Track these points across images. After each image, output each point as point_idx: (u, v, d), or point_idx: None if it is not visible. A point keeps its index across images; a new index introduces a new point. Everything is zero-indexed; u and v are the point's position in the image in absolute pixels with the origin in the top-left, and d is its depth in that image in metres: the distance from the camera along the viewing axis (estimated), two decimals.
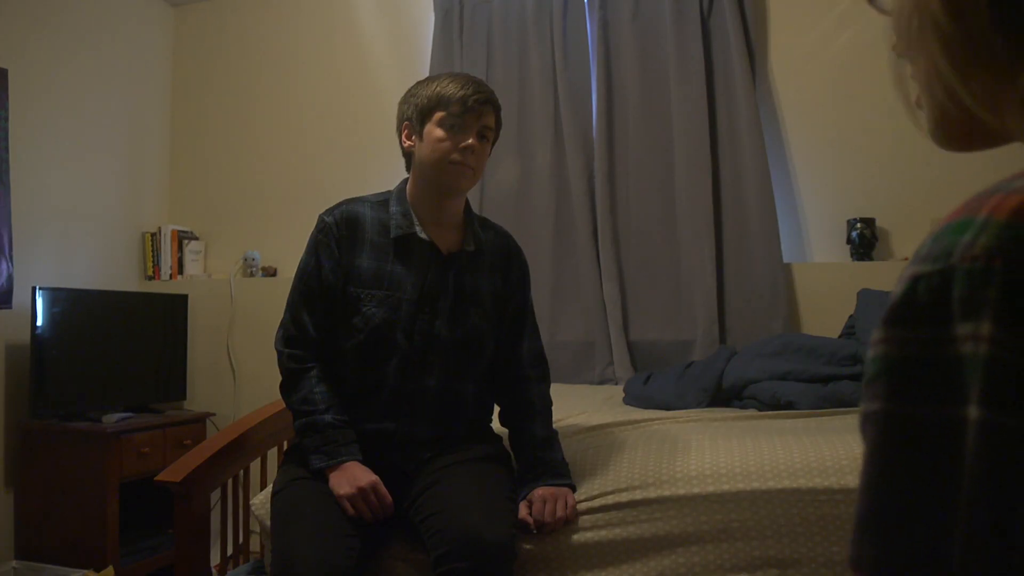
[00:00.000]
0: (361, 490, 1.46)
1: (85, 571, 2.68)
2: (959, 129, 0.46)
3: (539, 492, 1.52)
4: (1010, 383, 0.31)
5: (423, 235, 1.62)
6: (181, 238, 3.64)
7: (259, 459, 2.23)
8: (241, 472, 2.11)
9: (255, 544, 2.21)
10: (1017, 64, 0.39)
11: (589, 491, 1.55)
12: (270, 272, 3.55)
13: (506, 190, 3.09)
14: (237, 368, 3.50)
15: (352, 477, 1.48)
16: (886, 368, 0.35)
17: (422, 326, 1.59)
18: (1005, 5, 0.39)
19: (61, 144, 3.26)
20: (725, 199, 2.84)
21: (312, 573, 1.34)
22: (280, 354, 1.61)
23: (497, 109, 1.63)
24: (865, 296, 2.37)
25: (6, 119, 2.98)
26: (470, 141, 1.56)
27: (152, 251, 3.65)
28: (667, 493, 1.50)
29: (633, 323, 2.91)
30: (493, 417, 1.74)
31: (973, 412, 0.31)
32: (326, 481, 1.50)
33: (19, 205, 3.04)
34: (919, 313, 0.34)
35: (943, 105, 0.44)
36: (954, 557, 0.31)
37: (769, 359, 2.18)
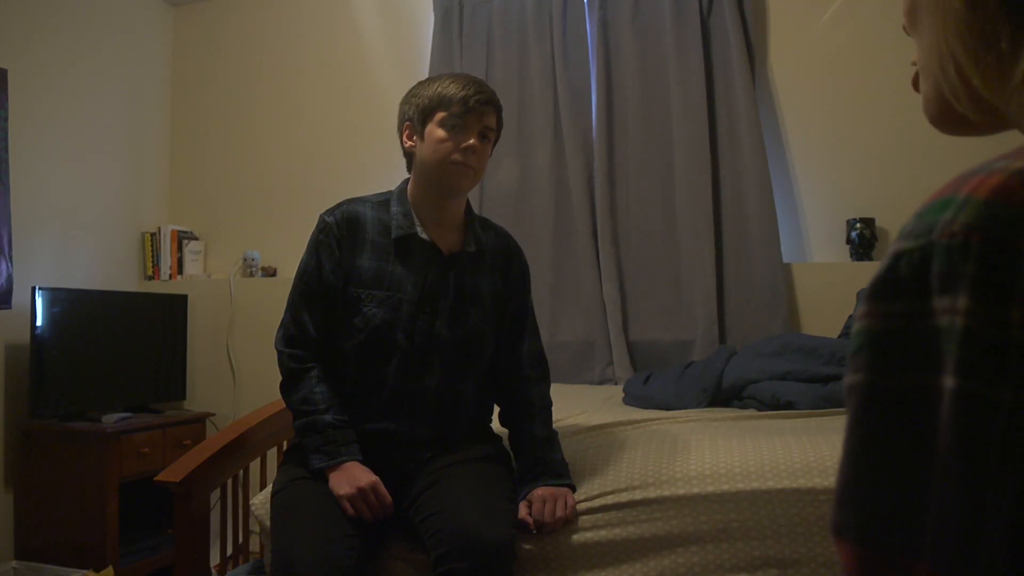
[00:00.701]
0: (361, 490, 1.46)
1: (85, 571, 2.68)
2: (958, 113, 0.47)
3: (539, 492, 1.52)
4: (984, 354, 0.32)
5: (424, 235, 1.62)
6: (181, 238, 3.64)
7: (259, 459, 2.23)
8: (241, 472, 2.11)
9: (255, 544, 2.21)
10: (1019, 52, 0.39)
11: (589, 491, 1.55)
12: (270, 272, 3.55)
13: (506, 190, 3.09)
14: (237, 368, 3.50)
15: (352, 477, 1.48)
16: (868, 341, 0.36)
17: (422, 326, 1.59)
18: None
19: (61, 144, 3.26)
20: (725, 199, 2.84)
21: (312, 573, 1.34)
22: (280, 354, 1.61)
23: (498, 109, 1.63)
24: None
25: (6, 119, 2.98)
26: (471, 141, 1.56)
27: (152, 251, 3.65)
28: (667, 493, 1.50)
29: (633, 323, 2.91)
30: (493, 417, 1.74)
31: (948, 382, 0.33)
32: (326, 481, 1.50)
33: (19, 205, 3.04)
34: (900, 287, 0.35)
35: (951, 86, 0.45)
36: (927, 524, 0.33)
37: (769, 359, 2.18)
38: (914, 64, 0.51)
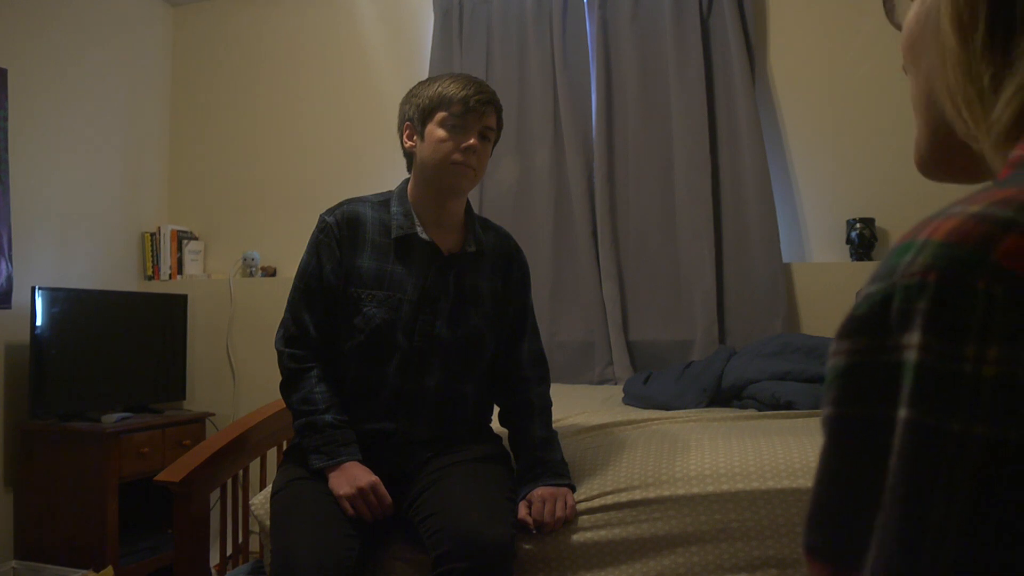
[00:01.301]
0: (361, 490, 1.46)
1: (84, 571, 2.68)
2: (947, 152, 0.51)
3: (538, 492, 1.52)
4: (936, 387, 0.34)
5: (424, 235, 1.62)
6: (180, 238, 3.64)
7: (258, 459, 2.23)
8: (240, 472, 2.11)
9: (254, 544, 2.21)
10: (999, 89, 0.44)
11: (589, 491, 1.55)
12: (269, 272, 3.55)
13: (506, 190, 3.09)
14: (236, 368, 3.50)
15: (352, 477, 1.48)
16: (835, 376, 0.39)
17: (423, 326, 1.59)
18: (997, 33, 0.44)
19: (61, 144, 3.26)
20: (724, 199, 2.84)
21: (311, 573, 1.35)
22: (280, 354, 1.61)
23: (498, 109, 1.63)
24: None
25: (6, 119, 2.98)
26: (471, 141, 1.56)
27: (151, 251, 3.65)
28: (667, 493, 1.50)
29: (632, 323, 2.91)
30: (493, 417, 1.74)
31: (902, 412, 0.35)
32: (326, 481, 1.50)
33: (18, 205, 3.04)
34: (864, 326, 0.38)
35: (939, 122, 0.49)
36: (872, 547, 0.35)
37: (768, 359, 2.18)
38: None
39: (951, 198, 0.41)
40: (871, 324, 0.37)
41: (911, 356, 0.35)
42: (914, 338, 0.35)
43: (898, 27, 0.54)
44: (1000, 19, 0.44)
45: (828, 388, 0.39)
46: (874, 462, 0.36)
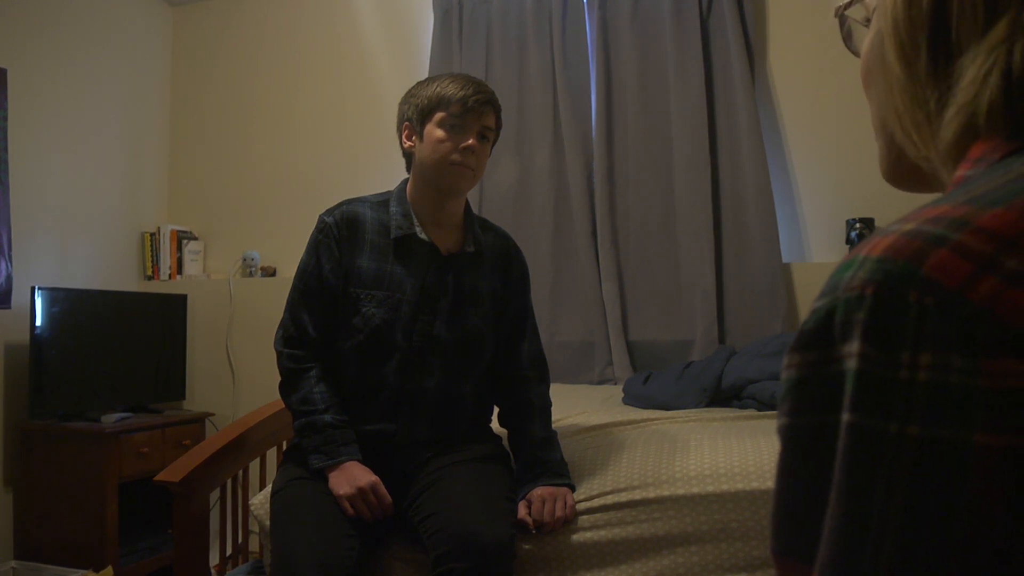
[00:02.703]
0: (361, 490, 1.46)
1: (84, 571, 2.68)
2: (906, 169, 0.54)
3: (538, 492, 1.52)
4: (874, 392, 0.37)
5: (423, 236, 1.62)
6: (180, 238, 3.64)
7: (258, 459, 2.23)
8: (240, 472, 2.11)
9: (254, 544, 2.21)
10: (943, 112, 0.47)
11: (588, 491, 1.55)
12: (269, 272, 3.55)
13: (505, 190, 3.09)
14: (236, 368, 3.50)
15: (352, 477, 1.48)
16: (787, 388, 0.42)
17: (422, 327, 1.59)
18: (939, 59, 0.47)
19: (60, 144, 3.26)
20: (724, 199, 2.84)
21: (311, 573, 1.35)
22: (280, 354, 1.61)
23: (497, 109, 1.63)
24: None
25: (5, 119, 2.98)
26: (470, 142, 1.57)
27: (151, 251, 3.65)
28: (666, 493, 1.50)
29: (632, 323, 2.91)
30: (492, 417, 1.74)
31: (845, 416, 0.38)
32: (325, 481, 1.50)
33: (18, 205, 3.04)
34: (811, 339, 0.40)
35: (900, 141, 0.52)
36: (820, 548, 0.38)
37: (768, 359, 2.18)
38: None
39: None
40: (817, 337, 0.40)
41: (851, 364, 0.37)
42: (854, 347, 0.37)
43: (856, 54, 0.58)
44: (940, 46, 0.47)
45: (782, 400, 0.42)
46: (824, 466, 0.38)
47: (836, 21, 0.60)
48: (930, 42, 0.47)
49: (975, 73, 0.45)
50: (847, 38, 0.60)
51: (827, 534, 0.37)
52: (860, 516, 0.36)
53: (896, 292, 0.37)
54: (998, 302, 0.35)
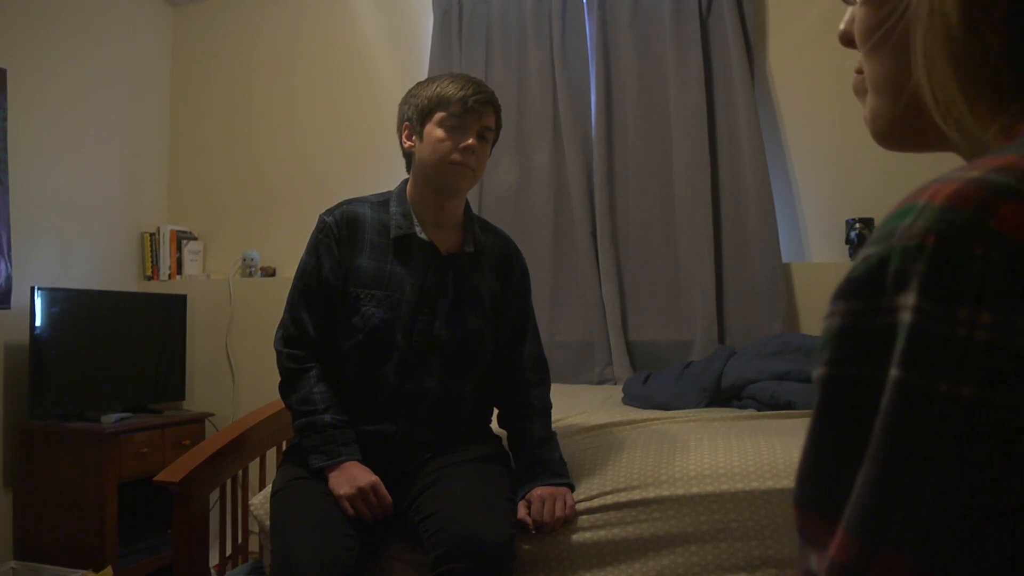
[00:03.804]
0: (361, 490, 1.46)
1: (84, 571, 2.68)
2: (914, 128, 0.49)
3: (538, 492, 1.52)
4: (927, 348, 0.34)
5: (423, 236, 1.62)
6: (180, 238, 3.64)
7: (258, 459, 2.23)
8: (240, 472, 2.11)
9: (254, 544, 2.21)
10: (1012, 92, 0.42)
11: (588, 491, 1.55)
12: (269, 272, 3.55)
13: (505, 190, 3.09)
14: (236, 368, 3.50)
15: (352, 477, 1.48)
16: (829, 337, 0.39)
17: (421, 327, 1.59)
18: (1020, 33, 0.41)
19: (60, 144, 3.26)
20: (724, 199, 2.84)
21: (311, 573, 1.35)
22: (279, 354, 1.61)
23: (497, 109, 1.63)
24: None
25: (5, 119, 2.98)
26: (470, 141, 1.57)
27: (151, 251, 3.65)
28: (666, 493, 1.50)
29: (632, 323, 2.91)
30: (492, 418, 1.74)
31: (893, 372, 0.35)
32: (325, 481, 1.50)
33: (18, 205, 3.04)
34: (860, 288, 0.38)
35: (903, 100, 0.48)
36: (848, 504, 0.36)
37: (768, 359, 2.18)
38: (858, 72, 0.53)
39: None
40: (867, 286, 0.37)
41: (905, 317, 0.35)
42: (909, 299, 0.35)
43: (849, 2, 0.52)
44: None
45: (822, 348, 0.39)
46: (862, 420, 0.36)
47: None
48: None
49: None
50: None
51: (859, 490, 0.36)
52: (898, 475, 0.34)
53: (960, 244, 0.34)
54: None
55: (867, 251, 0.38)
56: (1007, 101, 0.43)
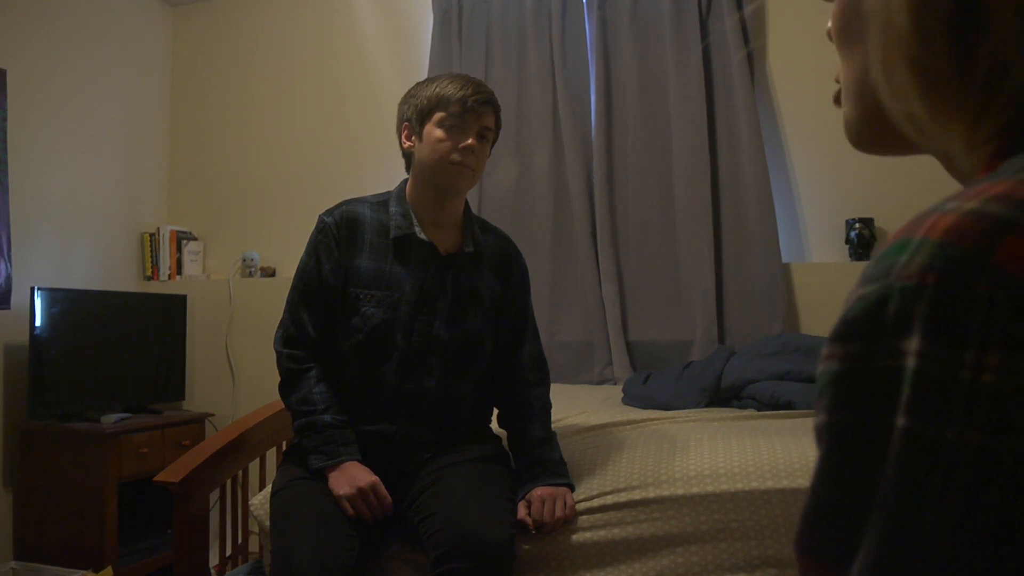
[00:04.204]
0: (361, 490, 1.46)
1: (84, 571, 2.68)
2: (884, 131, 0.48)
3: (538, 492, 1.52)
4: (933, 394, 0.33)
5: (422, 236, 1.62)
6: (180, 238, 3.64)
7: (258, 459, 2.23)
8: (240, 472, 2.11)
9: (254, 544, 2.21)
10: (967, 87, 0.40)
11: (588, 491, 1.55)
12: (269, 272, 3.55)
13: (505, 190, 3.09)
14: (236, 368, 3.50)
15: (352, 477, 1.48)
16: (829, 382, 0.38)
17: (421, 327, 1.59)
18: (962, 37, 0.40)
19: (60, 144, 3.26)
20: (724, 199, 2.84)
21: (311, 573, 1.35)
22: (279, 354, 1.61)
23: (497, 110, 1.63)
24: None
25: (5, 119, 2.98)
26: (470, 141, 1.57)
27: (151, 251, 3.65)
28: (666, 493, 1.50)
29: (632, 323, 2.91)
30: (492, 418, 1.74)
31: (900, 420, 0.34)
32: (325, 481, 1.50)
33: (18, 205, 3.04)
34: (859, 330, 0.36)
35: (871, 105, 0.47)
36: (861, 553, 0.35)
37: (768, 359, 2.18)
38: (837, 81, 0.52)
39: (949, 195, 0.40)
40: (866, 327, 0.36)
41: (910, 363, 0.34)
42: (912, 344, 0.34)
43: None
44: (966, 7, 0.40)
45: (822, 394, 0.38)
46: (870, 468, 0.35)
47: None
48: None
49: None
50: None
51: (870, 541, 0.34)
52: (909, 526, 0.33)
53: (962, 283, 0.33)
54: None
55: (863, 290, 0.37)
56: (969, 106, 0.41)
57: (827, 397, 0.38)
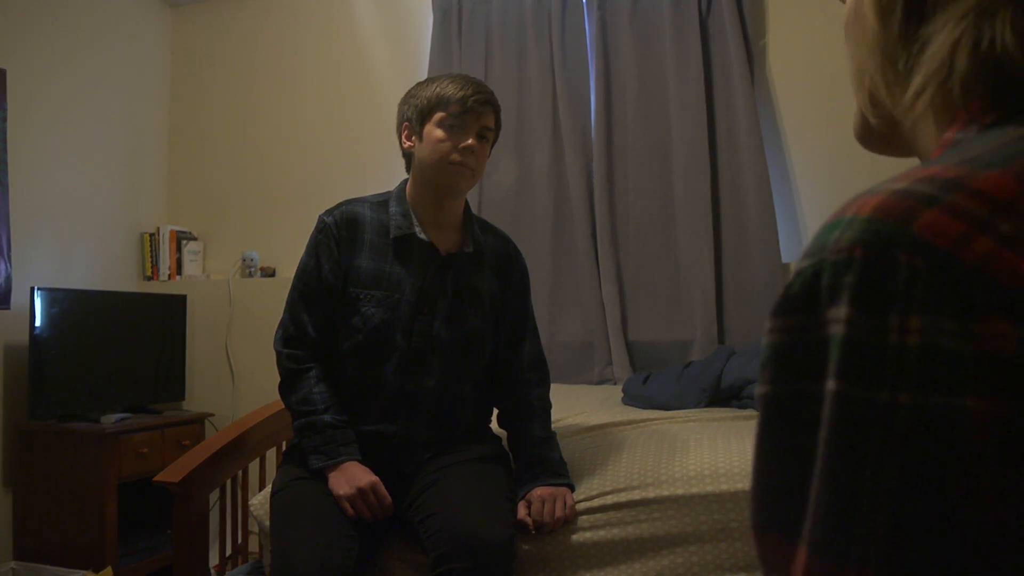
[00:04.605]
0: (360, 490, 1.46)
1: (84, 572, 2.68)
2: (879, 128, 0.52)
3: (538, 492, 1.52)
4: (862, 359, 0.35)
5: (422, 236, 1.62)
6: (180, 238, 3.64)
7: (258, 459, 2.23)
8: (240, 472, 2.11)
9: (254, 544, 2.21)
10: (912, 72, 0.46)
11: (588, 491, 1.55)
12: (269, 272, 3.55)
13: (505, 190, 3.09)
14: (236, 368, 3.50)
15: (351, 477, 1.48)
16: (769, 355, 0.39)
17: (421, 327, 1.59)
18: (912, 20, 0.45)
19: (60, 144, 3.26)
20: (724, 199, 2.84)
21: (311, 573, 1.35)
22: (279, 354, 1.61)
23: (497, 110, 1.63)
24: None
25: (5, 119, 2.98)
26: (470, 142, 1.57)
27: (151, 251, 3.65)
28: (666, 493, 1.50)
29: (632, 323, 2.91)
30: (492, 418, 1.74)
31: (830, 385, 0.36)
32: (325, 481, 1.50)
33: (17, 205, 3.04)
34: (795, 303, 0.38)
35: (866, 97, 0.51)
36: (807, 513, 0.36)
37: None
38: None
39: None
40: (802, 301, 0.38)
41: (838, 330, 0.36)
42: (841, 312, 0.36)
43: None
44: (915, 3, 0.45)
45: (763, 366, 0.40)
46: (808, 437, 0.36)
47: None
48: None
49: (943, 41, 0.43)
50: None
51: (815, 510, 0.36)
52: (851, 490, 0.34)
53: (885, 253, 0.35)
54: (991, 262, 0.34)
55: (801, 265, 0.39)
56: (904, 87, 0.45)
57: (768, 369, 0.39)
